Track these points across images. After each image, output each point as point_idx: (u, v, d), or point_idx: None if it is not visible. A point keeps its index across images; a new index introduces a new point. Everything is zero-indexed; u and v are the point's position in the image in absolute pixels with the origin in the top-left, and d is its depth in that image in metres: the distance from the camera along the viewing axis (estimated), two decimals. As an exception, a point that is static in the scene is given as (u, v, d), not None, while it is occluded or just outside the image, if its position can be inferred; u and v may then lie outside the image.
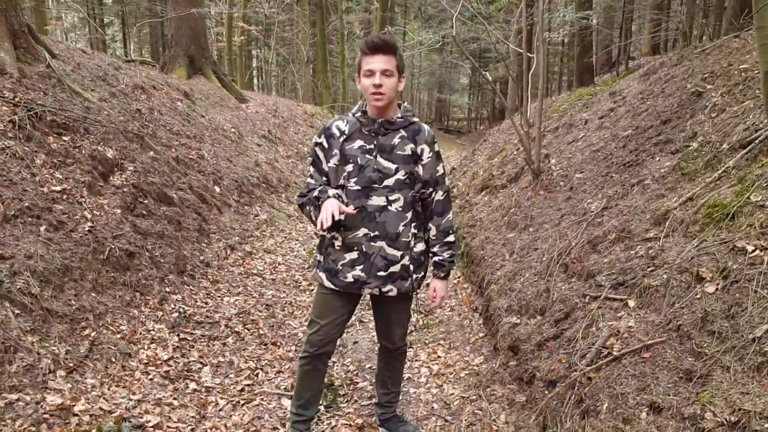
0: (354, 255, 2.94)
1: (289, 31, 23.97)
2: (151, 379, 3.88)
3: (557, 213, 5.16)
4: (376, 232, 2.90)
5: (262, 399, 3.97)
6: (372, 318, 5.22)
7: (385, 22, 20.33)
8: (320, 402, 3.76)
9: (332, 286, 3.04)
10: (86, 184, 5.12)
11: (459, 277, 6.22)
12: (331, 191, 2.86)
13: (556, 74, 24.97)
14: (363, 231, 2.91)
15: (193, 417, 3.62)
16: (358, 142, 2.90)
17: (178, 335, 4.54)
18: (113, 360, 3.88)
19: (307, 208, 2.95)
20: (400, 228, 2.93)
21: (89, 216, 4.82)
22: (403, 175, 2.90)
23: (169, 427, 3.45)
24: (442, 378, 4.20)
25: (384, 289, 3.01)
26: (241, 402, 3.91)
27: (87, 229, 4.66)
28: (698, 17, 12.31)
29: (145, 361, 4.05)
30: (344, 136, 2.93)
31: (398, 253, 2.95)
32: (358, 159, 2.89)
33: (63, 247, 4.31)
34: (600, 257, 3.93)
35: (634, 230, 3.90)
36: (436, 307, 3.30)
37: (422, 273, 3.13)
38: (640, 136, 5.30)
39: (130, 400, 3.58)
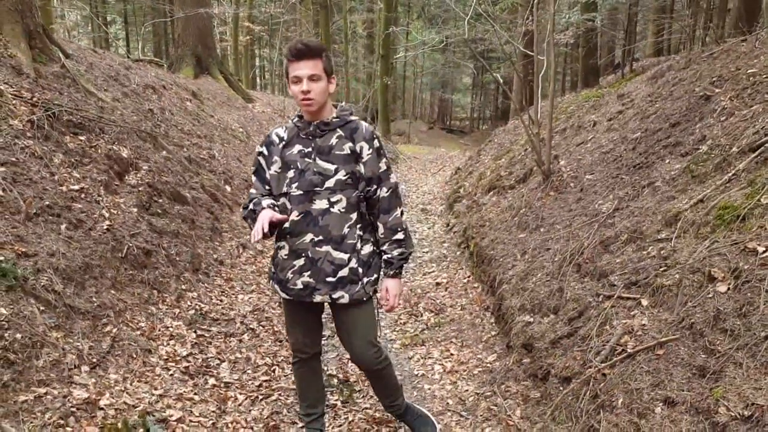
0: (301, 261, 2.91)
1: (294, 31, 24.05)
2: (171, 375, 3.96)
3: (568, 214, 5.24)
4: (321, 237, 2.88)
5: (279, 394, 4.05)
6: (382, 315, 5.34)
7: (389, 21, 20.39)
8: (326, 397, 3.82)
9: (285, 296, 3.04)
10: (103, 183, 5.21)
11: (469, 277, 6.30)
12: (266, 202, 2.86)
13: (560, 76, 25.05)
14: (309, 236, 2.88)
15: (213, 411, 3.71)
16: (297, 147, 2.90)
17: (195, 332, 4.63)
18: (134, 356, 3.97)
19: (248, 221, 2.95)
20: (345, 230, 2.90)
21: (107, 215, 4.90)
22: (344, 176, 2.87)
23: (191, 421, 3.54)
24: (456, 375, 4.28)
25: (335, 296, 2.95)
26: (260, 397, 3.99)
27: (105, 227, 4.74)
28: (701, 19, 12.39)
29: (165, 357, 4.14)
30: (283, 143, 2.94)
31: (345, 257, 2.92)
32: (298, 163, 2.88)
33: (83, 245, 4.39)
34: (612, 257, 4.01)
35: (646, 231, 3.98)
36: (390, 308, 3.10)
37: (374, 276, 3.05)
38: (649, 139, 5.38)
39: (153, 395, 3.66)
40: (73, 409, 3.21)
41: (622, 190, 4.87)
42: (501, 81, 9.03)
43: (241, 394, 3.99)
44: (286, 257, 2.95)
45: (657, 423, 2.68)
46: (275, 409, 3.87)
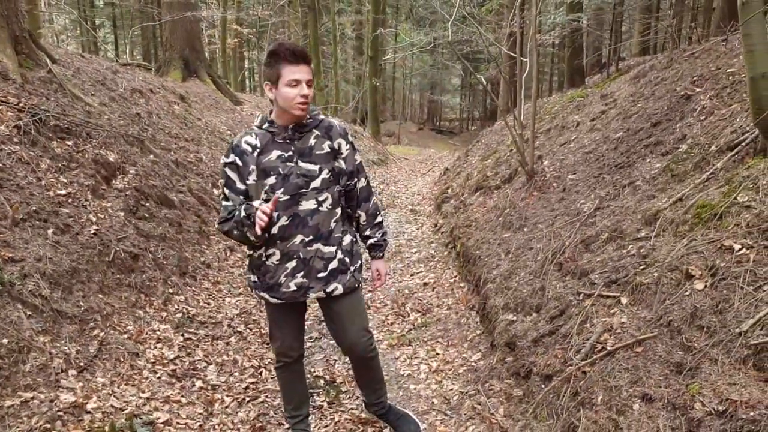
0: (293, 263, 2.94)
1: (282, 33, 24.06)
2: (158, 378, 3.99)
3: (551, 213, 5.30)
4: (311, 236, 2.93)
5: (266, 396, 4.09)
6: (371, 315, 5.38)
7: (377, 23, 20.45)
8: (311, 398, 3.91)
9: (278, 301, 3.04)
10: (90, 187, 5.23)
11: (455, 277, 6.35)
12: (256, 203, 2.82)
13: (546, 75, 25.18)
14: (299, 238, 2.92)
15: (200, 414, 3.74)
16: (275, 153, 2.88)
17: (182, 335, 4.65)
18: (121, 359, 3.99)
19: (236, 232, 2.86)
20: (332, 225, 2.99)
21: (94, 219, 4.92)
22: (327, 174, 2.94)
23: (178, 423, 3.57)
24: (441, 374, 4.32)
25: (329, 289, 3.04)
26: (247, 399, 4.02)
27: (92, 231, 4.76)
28: (687, 19, 12.50)
29: (152, 360, 4.16)
30: (257, 150, 2.88)
31: (333, 249, 3.00)
32: (280, 169, 2.86)
33: (70, 249, 4.41)
34: (593, 256, 4.07)
35: (626, 230, 4.04)
36: (380, 286, 3.38)
37: (359, 263, 3.18)
38: (630, 138, 5.45)
39: (140, 397, 3.69)
40: (60, 413, 3.23)
41: (604, 189, 4.94)
42: (485, 83, 9.10)
43: (228, 396, 4.02)
44: (277, 262, 2.95)
45: (635, 419, 2.73)
46: (262, 410, 3.90)
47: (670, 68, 6.58)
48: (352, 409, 3.93)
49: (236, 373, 4.35)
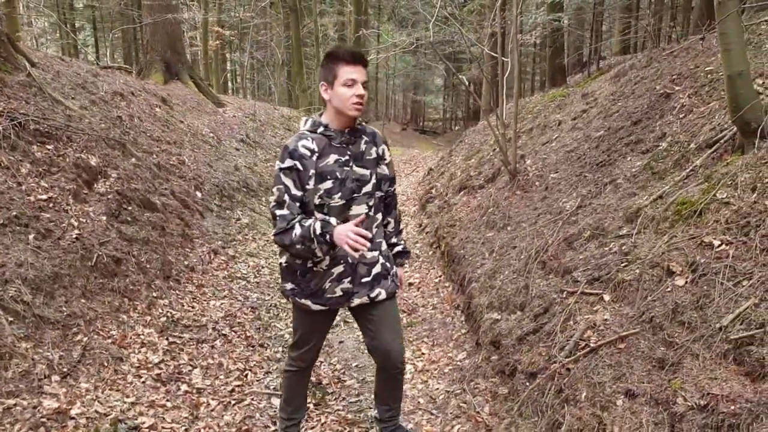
0: (341, 268, 2.92)
1: (264, 35, 24.00)
2: (143, 382, 3.97)
3: (534, 212, 5.33)
4: None
5: (252, 399, 4.08)
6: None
7: (359, 24, 20.45)
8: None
9: (321, 307, 3.00)
10: (71, 192, 5.18)
11: (440, 276, 6.36)
12: (332, 219, 2.79)
13: (528, 75, 25.31)
14: None
15: (186, 418, 3.72)
16: (333, 157, 2.84)
17: (167, 339, 4.63)
18: (105, 364, 3.96)
19: (300, 246, 2.75)
20: (374, 230, 3.00)
21: (76, 223, 4.88)
22: (375, 179, 2.98)
23: (163, 427, 3.55)
24: (427, 374, 4.34)
25: (372, 294, 3.01)
26: (232, 402, 4.01)
27: (74, 236, 4.73)
28: (666, 18, 12.62)
29: (137, 365, 4.14)
30: (316, 154, 2.82)
31: (375, 254, 3.02)
32: (337, 173, 2.84)
33: (52, 254, 4.38)
34: (576, 254, 4.10)
35: (608, 228, 4.08)
36: (401, 290, 3.46)
37: (394, 268, 3.19)
38: (611, 137, 5.50)
39: (125, 402, 3.66)
40: (44, 420, 3.21)
41: (586, 187, 4.98)
42: (467, 83, 9.12)
43: (213, 399, 4.01)
44: (326, 268, 2.92)
45: (618, 415, 2.76)
46: (248, 413, 3.89)
47: (650, 67, 6.64)
48: (338, 410, 3.93)
49: (221, 376, 4.33)
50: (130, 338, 4.40)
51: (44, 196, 4.84)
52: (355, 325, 5.24)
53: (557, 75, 13.01)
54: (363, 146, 2.94)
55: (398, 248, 3.28)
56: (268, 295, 6.09)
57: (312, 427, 3.74)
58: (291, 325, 5.31)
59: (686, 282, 3.15)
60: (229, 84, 31.95)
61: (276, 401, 4.01)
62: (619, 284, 3.46)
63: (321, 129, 2.87)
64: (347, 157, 2.88)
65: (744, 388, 2.51)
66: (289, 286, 3.02)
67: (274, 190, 2.85)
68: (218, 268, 6.48)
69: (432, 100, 43.42)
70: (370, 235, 2.70)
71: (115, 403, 3.62)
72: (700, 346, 2.80)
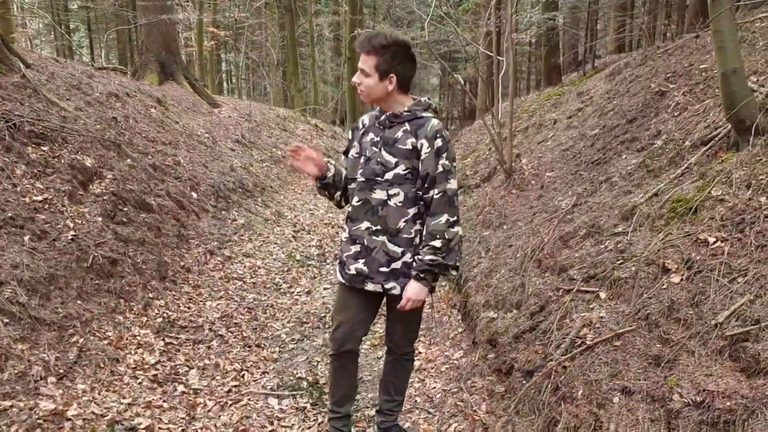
0: (357, 248, 2.97)
1: (259, 35, 23.97)
2: (140, 383, 3.96)
3: (530, 211, 5.34)
4: (378, 227, 2.90)
5: (249, 399, 4.07)
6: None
7: (354, 24, 20.44)
8: (294, 400, 3.96)
9: (341, 279, 3.09)
10: (67, 193, 5.17)
11: (436, 276, 6.37)
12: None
13: (524, 74, 25.32)
14: (365, 224, 2.92)
15: (183, 418, 3.71)
16: (370, 135, 2.98)
17: (163, 340, 4.62)
18: (102, 365, 3.96)
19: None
20: (401, 224, 2.89)
21: (71, 225, 4.88)
22: (404, 170, 2.85)
23: (160, 428, 3.54)
24: (424, 373, 4.34)
25: (387, 287, 2.94)
26: (229, 402, 4.00)
27: (70, 237, 4.72)
28: (661, 16, 12.64)
29: (133, 366, 4.13)
30: (363, 130, 3.04)
31: (399, 250, 2.90)
32: (367, 151, 2.95)
33: (47, 256, 4.37)
34: (572, 252, 4.11)
35: (603, 225, 4.08)
36: (401, 307, 2.92)
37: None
38: (607, 135, 5.51)
39: (121, 403, 3.66)
40: (40, 421, 3.20)
41: (581, 186, 4.99)
42: (463, 82, 9.14)
43: (210, 400, 4.00)
44: (345, 241, 3.04)
45: (615, 412, 2.76)
46: (245, 413, 3.88)
47: (645, 65, 6.66)
48: (335, 409, 3.93)
49: (218, 377, 4.33)
50: (127, 339, 4.40)
51: (39, 198, 4.83)
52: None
53: (552, 74, 13.03)
54: (399, 134, 2.88)
55: (417, 257, 2.91)
56: (265, 295, 6.08)
57: (309, 427, 3.74)
58: (287, 325, 5.35)
59: (682, 279, 3.16)
60: (225, 84, 31.92)
61: (273, 401, 4.01)
62: (614, 282, 3.47)
63: (378, 109, 3.00)
64: (378, 139, 2.93)
65: (739, 384, 2.52)
66: (338, 250, 3.18)
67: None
68: (214, 269, 6.47)
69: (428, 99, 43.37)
70: (302, 146, 2.95)
71: (112, 404, 3.62)
72: (695, 342, 2.81)
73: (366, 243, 2.94)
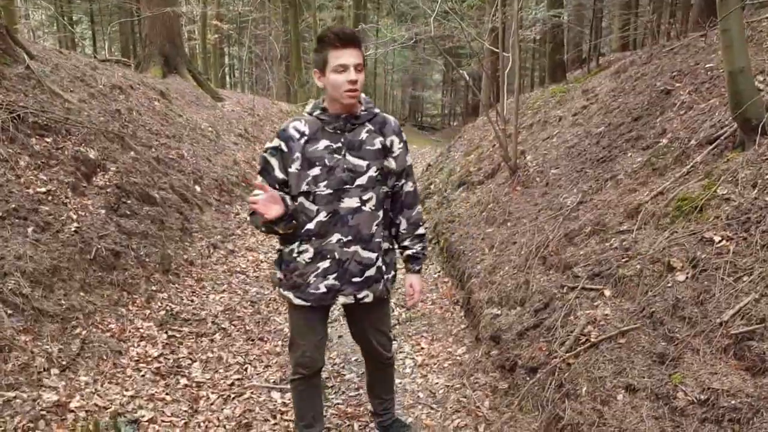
0: (326, 263, 2.73)
1: (263, 29, 23.94)
2: (142, 376, 3.97)
3: (534, 208, 5.33)
4: (350, 237, 2.71)
5: (252, 392, 4.07)
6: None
7: (358, 19, 20.42)
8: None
9: (303, 303, 2.81)
10: (70, 185, 5.18)
11: (440, 272, 6.37)
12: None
13: (528, 71, 25.28)
14: (336, 237, 2.71)
15: (185, 411, 3.72)
16: (323, 143, 2.67)
17: (166, 332, 4.63)
18: (104, 357, 3.96)
19: (254, 224, 2.74)
20: (373, 228, 2.76)
21: (75, 216, 4.88)
22: (375, 172, 2.71)
23: (163, 421, 3.55)
24: (427, 368, 4.34)
25: (359, 296, 2.81)
26: (232, 396, 4.00)
27: (73, 229, 4.72)
28: (665, 14, 12.61)
29: (136, 358, 4.14)
30: (305, 138, 2.67)
31: (373, 255, 2.78)
32: (326, 160, 2.66)
33: (51, 247, 4.37)
34: (576, 250, 4.10)
35: (609, 223, 4.08)
36: (415, 303, 3.05)
37: (392, 273, 2.97)
38: (612, 133, 5.49)
39: (124, 396, 3.66)
40: (43, 413, 3.21)
41: (586, 183, 4.98)
42: (468, 78, 9.11)
43: (213, 393, 4.00)
44: (309, 260, 2.75)
45: (619, 410, 2.76)
46: (248, 407, 3.88)
47: (650, 63, 6.63)
48: (338, 404, 3.93)
49: (221, 370, 4.33)
50: (129, 332, 4.40)
51: (43, 189, 4.83)
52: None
53: (557, 71, 12.98)
54: (364, 135, 2.71)
55: (408, 252, 2.97)
56: (268, 289, 6.08)
57: (311, 421, 3.74)
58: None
59: (687, 277, 3.15)
60: (227, 78, 31.91)
61: (276, 395, 4.01)
62: (619, 279, 3.46)
63: (317, 112, 2.71)
64: (340, 145, 2.67)
65: (744, 383, 2.52)
66: (278, 274, 2.90)
67: (257, 169, 2.80)
68: (217, 262, 6.47)
69: (430, 95, 43.44)
70: (261, 196, 2.53)
71: (115, 396, 3.62)
72: (700, 341, 2.80)
73: (337, 256, 2.73)
